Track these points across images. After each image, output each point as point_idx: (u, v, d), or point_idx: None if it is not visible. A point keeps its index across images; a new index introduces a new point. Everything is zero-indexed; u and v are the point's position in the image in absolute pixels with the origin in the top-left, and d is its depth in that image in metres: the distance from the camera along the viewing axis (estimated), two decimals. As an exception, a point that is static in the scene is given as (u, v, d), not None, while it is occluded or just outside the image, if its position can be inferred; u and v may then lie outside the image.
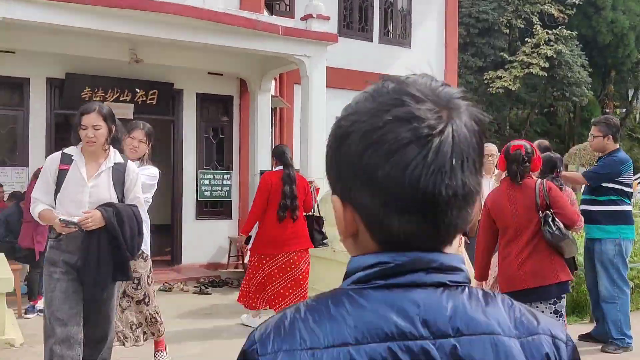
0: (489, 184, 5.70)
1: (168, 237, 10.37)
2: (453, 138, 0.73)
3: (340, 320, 0.73)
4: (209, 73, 9.96)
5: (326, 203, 7.15)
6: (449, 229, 0.76)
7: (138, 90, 9.28)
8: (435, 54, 13.60)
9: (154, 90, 9.39)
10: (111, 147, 3.50)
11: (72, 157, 3.43)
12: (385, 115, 0.74)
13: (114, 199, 3.40)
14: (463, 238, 6.01)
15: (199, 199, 9.93)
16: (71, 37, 8.22)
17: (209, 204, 10.09)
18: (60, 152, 3.55)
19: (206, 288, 8.29)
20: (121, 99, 9.22)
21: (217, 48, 8.67)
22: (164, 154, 14.13)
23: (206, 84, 10.00)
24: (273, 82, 11.38)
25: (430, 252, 0.76)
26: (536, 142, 5.74)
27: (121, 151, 3.64)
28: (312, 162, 8.46)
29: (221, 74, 10.08)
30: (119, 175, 3.45)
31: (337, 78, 11.06)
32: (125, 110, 9.30)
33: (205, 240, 9.90)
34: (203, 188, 9.96)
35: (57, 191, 3.38)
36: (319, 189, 7.12)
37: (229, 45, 8.10)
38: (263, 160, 10.00)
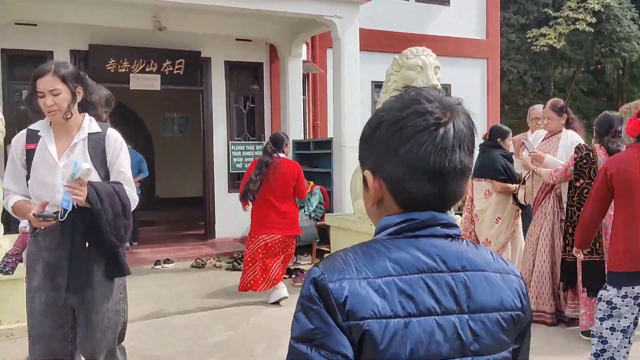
0: (533, 146, 5.23)
1: (200, 210, 10.16)
2: (454, 128, 1.05)
3: (385, 259, 1.02)
4: (237, 39, 9.54)
5: (356, 172, 6.81)
6: (450, 196, 1.06)
7: (164, 60, 8.93)
8: (475, 12, 12.82)
9: (181, 60, 9.04)
10: (86, 115, 2.80)
11: (39, 133, 2.78)
12: (406, 110, 1.05)
13: (94, 177, 2.70)
14: (519, 210, 5.58)
15: (231, 171, 9.63)
16: (93, 6, 7.91)
17: (241, 176, 9.78)
18: (26, 129, 2.88)
19: (239, 264, 8.02)
20: (147, 69, 8.90)
21: (244, 12, 8.22)
22: (195, 125, 14.05)
23: (234, 51, 9.59)
24: (304, 47, 10.89)
25: (440, 212, 1.07)
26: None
27: (99, 118, 2.89)
28: (346, 130, 8.01)
29: (250, 40, 9.64)
30: (96, 147, 2.74)
31: (371, 40, 10.49)
32: (152, 82, 9.01)
33: (238, 214, 9.58)
34: (234, 160, 9.65)
35: (28, 176, 2.77)
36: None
37: (255, 7, 7.64)
38: (295, 129, 9.61)
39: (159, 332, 5.09)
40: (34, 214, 2.60)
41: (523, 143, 5.41)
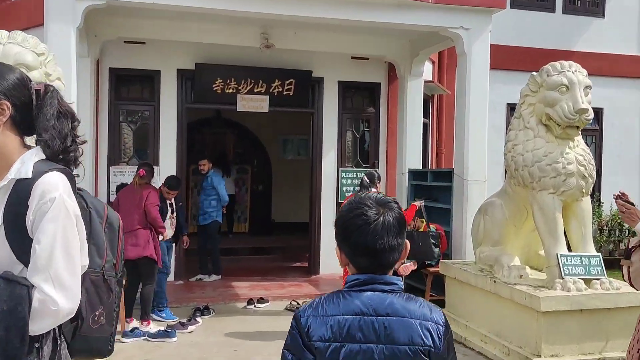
0: None
1: (305, 238, 9.37)
2: (383, 222, 1.60)
3: (338, 304, 1.60)
4: (352, 57, 8.70)
5: (481, 213, 5.90)
6: (385, 264, 1.63)
7: (273, 80, 8.32)
8: (635, 24, 10.93)
9: (291, 80, 8.37)
10: (29, 149, 1.73)
11: None
12: (352, 213, 1.63)
13: (3, 257, 1.62)
14: None
15: (339, 200, 8.75)
16: (200, 22, 7.49)
17: (352, 206, 8.88)
18: None
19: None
20: (255, 90, 8.34)
21: (359, 26, 7.38)
22: (303, 148, 13.44)
23: (349, 70, 8.76)
24: (430, 65, 9.81)
25: (379, 275, 1.63)
26: None
27: (56, 155, 1.73)
28: (470, 160, 6.79)
29: (366, 58, 8.76)
30: (16, 203, 1.63)
31: (506, 57, 9.21)
32: (260, 103, 8.43)
33: (346, 248, 8.74)
34: (344, 188, 8.76)
35: None
36: (415, 205, 6.75)
37: (371, 20, 6.73)
38: (413, 156, 8.52)
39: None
40: None
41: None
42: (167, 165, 7.98)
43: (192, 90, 8.28)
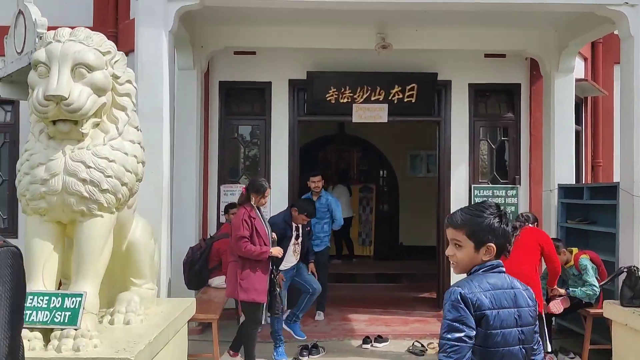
0: None
1: (432, 264, 8.24)
2: (504, 218, 2.19)
3: (484, 282, 2.08)
4: (485, 55, 7.52)
5: None
6: (504, 252, 2.17)
7: (392, 86, 7.38)
8: None
9: (412, 84, 7.37)
10: None
11: None
12: (496, 211, 2.19)
13: None
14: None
15: (473, 222, 7.54)
16: (311, 26, 6.79)
17: (488, 229, 7.62)
18: None
19: None
20: (372, 98, 7.45)
21: (490, 15, 6.25)
22: (433, 164, 12.24)
23: (482, 70, 7.57)
24: (581, 62, 8.32)
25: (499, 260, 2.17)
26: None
27: None
28: (638, 174, 5.31)
29: (503, 55, 7.53)
30: None
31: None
32: (378, 113, 7.52)
33: (482, 278, 7.50)
34: (479, 208, 7.52)
35: None
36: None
37: (506, 1, 5.58)
38: (563, 169, 7.09)
39: None
40: None
41: None
42: (278, 182, 7.33)
43: (305, 102, 7.58)
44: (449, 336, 1.97)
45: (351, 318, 7.11)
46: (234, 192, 7.46)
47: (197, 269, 6.27)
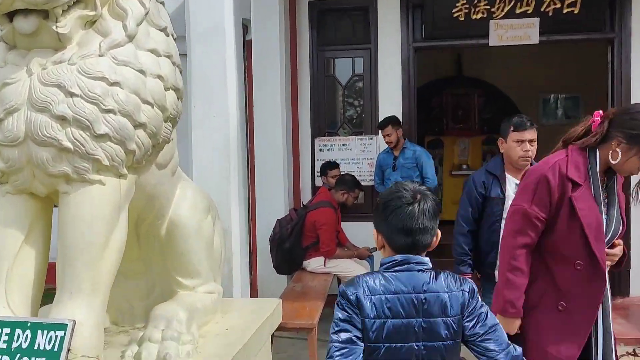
0: None
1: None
2: (419, 205, 1.75)
3: (378, 284, 1.75)
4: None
5: None
6: (418, 245, 1.77)
7: (547, -7, 5.32)
8: None
9: (577, -12, 5.26)
10: None
11: None
12: (392, 195, 1.79)
13: None
14: None
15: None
16: None
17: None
18: None
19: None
20: (518, 10, 5.42)
21: None
22: (571, 109, 9.95)
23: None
24: None
25: (414, 255, 1.77)
26: None
27: None
28: None
29: None
30: None
31: None
32: (526, 31, 5.49)
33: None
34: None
35: None
36: None
37: None
38: None
39: None
40: None
41: None
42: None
43: (422, 23, 5.69)
44: (335, 337, 1.74)
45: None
46: (331, 147, 5.81)
47: (287, 248, 4.75)
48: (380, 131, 5.22)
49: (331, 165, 5.36)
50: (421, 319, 1.72)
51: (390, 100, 5.67)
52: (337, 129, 5.92)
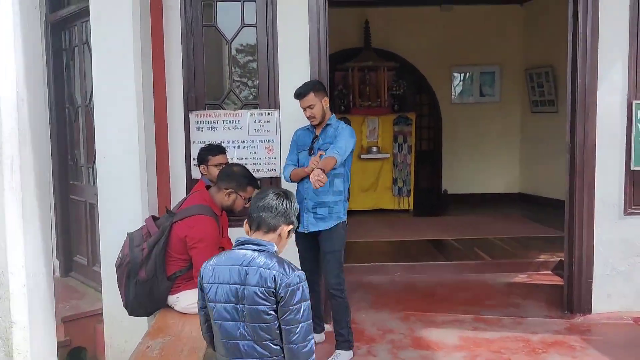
0: None
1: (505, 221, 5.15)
2: (263, 201, 2.19)
3: (223, 257, 2.16)
4: None
5: None
6: (259, 228, 2.19)
7: None
8: None
9: None
10: None
11: None
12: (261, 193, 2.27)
13: None
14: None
15: (633, 167, 4.38)
16: None
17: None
18: None
19: None
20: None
21: None
22: (487, 85, 9.11)
23: None
24: None
25: (253, 237, 2.18)
26: None
27: None
28: None
29: None
30: None
31: None
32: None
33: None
34: (643, 142, 4.34)
35: None
36: None
37: None
38: None
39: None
40: None
41: None
42: (288, 113, 4.08)
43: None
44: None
45: (405, 340, 4.01)
46: (214, 125, 4.21)
47: (143, 279, 3.12)
48: (298, 101, 3.64)
49: (213, 149, 3.77)
50: (239, 286, 2.08)
51: (294, 62, 4.15)
52: (221, 100, 4.31)
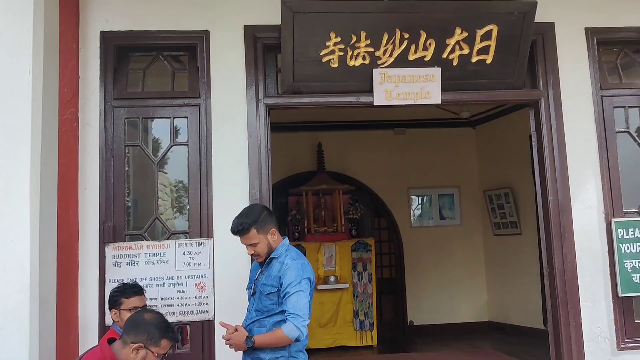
0: None
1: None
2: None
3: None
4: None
5: None
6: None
7: (451, 30, 3.73)
8: None
9: (489, 27, 3.73)
10: None
11: None
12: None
13: None
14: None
15: (620, 294, 3.85)
16: None
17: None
18: None
19: None
20: (412, 56, 3.77)
21: None
22: (444, 204, 8.80)
23: (612, 6, 4.07)
24: None
25: None
26: None
27: None
28: None
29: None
30: None
31: None
32: (424, 86, 3.88)
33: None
34: (626, 263, 3.85)
35: None
36: None
37: None
38: None
39: None
40: None
41: None
42: (224, 242, 3.46)
43: (278, 71, 3.84)
44: None
45: None
46: (134, 260, 3.53)
47: None
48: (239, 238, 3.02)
49: (127, 290, 3.07)
50: None
51: (232, 184, 3.62)
52: (145, 229, 3.68)
